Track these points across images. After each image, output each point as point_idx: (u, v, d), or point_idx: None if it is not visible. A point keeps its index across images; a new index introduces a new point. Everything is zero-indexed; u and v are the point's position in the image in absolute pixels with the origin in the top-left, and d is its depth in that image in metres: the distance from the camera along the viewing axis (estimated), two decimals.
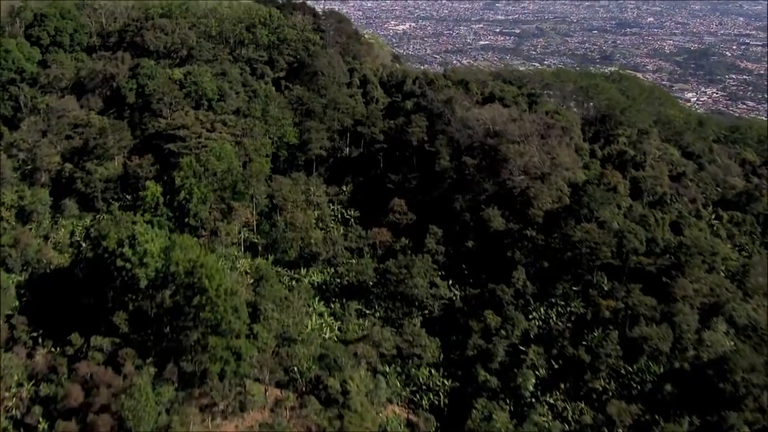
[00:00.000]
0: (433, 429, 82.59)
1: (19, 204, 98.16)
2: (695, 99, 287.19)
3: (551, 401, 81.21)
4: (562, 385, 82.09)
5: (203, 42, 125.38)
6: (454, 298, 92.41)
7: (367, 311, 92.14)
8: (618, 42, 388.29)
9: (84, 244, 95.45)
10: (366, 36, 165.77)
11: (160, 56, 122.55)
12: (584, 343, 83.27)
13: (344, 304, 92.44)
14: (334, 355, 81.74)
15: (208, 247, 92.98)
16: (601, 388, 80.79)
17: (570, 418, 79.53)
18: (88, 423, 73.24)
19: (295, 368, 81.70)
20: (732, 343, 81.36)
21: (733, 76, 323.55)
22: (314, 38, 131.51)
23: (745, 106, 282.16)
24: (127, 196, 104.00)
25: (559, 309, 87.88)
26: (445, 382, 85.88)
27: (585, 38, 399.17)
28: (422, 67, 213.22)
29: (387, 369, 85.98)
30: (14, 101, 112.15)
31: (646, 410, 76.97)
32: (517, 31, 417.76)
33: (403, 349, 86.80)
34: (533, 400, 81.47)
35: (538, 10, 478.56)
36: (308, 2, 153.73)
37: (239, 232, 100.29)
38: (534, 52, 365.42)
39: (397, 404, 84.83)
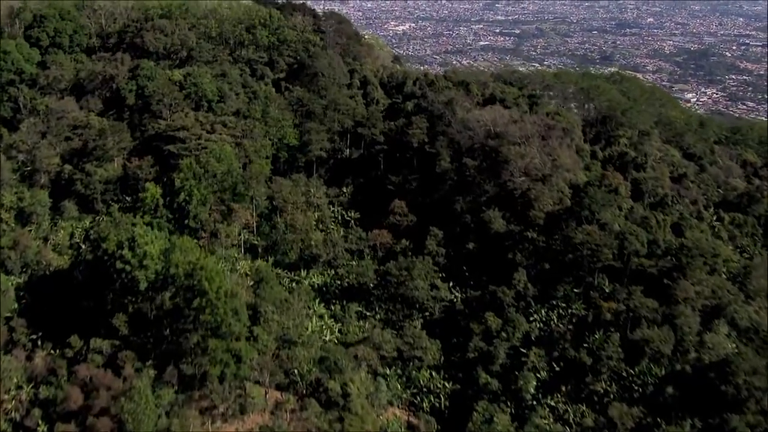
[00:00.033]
0: (434, 431, 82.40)
1: (18, 206, 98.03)
2: (695, 99, 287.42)
3: (552, 403, 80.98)
4: (564, 388, 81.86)
5: (203, 43, 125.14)
6: (455, 300, 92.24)
7: (368, 313, 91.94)
8: (618, 42, 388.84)
9: (83, 246, 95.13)
10: (366, 37, 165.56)
11: (159, 57, 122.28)
12: (585, 345, 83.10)
13: (345, 306, 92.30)
14: (334, 357, 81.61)
15: (208, 249, 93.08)
16: (602, 391, 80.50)
17: (571, 421, 79.31)
18: (87, 426, 72.94)
19: (296, 371, 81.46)
20: (734, 345, 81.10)
21: (733, 77, 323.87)
22: (314, 39, 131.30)
23: (745, 107, 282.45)
24: (127, 198, 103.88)
25: (560, 311, 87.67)
26: (446, 384, 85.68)
27: (585, 39, 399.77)
28: (422, 68, 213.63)
29: (387, 371, 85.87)
30: (13, 102, 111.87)
31: (647, 413, 76.77)
32: (517, 31, 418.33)
33: (404, 351, 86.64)
34: (534, 402, 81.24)
35: (538, 11, 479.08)
36: (308, 3, 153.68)
37: (239, 234, 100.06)
38: (534, 53, 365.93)
39: (398, 407, 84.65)
